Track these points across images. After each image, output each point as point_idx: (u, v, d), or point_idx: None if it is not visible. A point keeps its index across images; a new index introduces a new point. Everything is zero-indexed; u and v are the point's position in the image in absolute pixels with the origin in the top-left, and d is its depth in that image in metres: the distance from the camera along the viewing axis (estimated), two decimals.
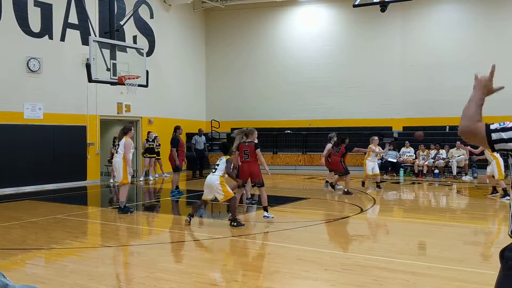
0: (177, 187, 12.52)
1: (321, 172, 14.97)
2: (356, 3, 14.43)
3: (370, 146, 13.40)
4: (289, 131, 21.07)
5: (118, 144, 9.91)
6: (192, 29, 22.19)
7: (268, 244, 7.07)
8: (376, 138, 13.90)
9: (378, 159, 14.51)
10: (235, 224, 7.96)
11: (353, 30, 21.08)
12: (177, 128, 12.42)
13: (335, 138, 13.20)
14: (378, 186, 13.41)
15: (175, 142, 12.17)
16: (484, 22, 18.99)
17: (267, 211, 8.64)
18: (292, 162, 20.53)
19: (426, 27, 19.97)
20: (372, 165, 13.44)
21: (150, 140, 17.27)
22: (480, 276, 5.24)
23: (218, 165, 8.16)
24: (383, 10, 14.03)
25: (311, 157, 19.98)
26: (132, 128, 10.15)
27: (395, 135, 19.67)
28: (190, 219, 8.28)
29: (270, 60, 22.35)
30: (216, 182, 7.99)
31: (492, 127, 2.21)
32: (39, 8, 14.71)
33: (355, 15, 19.58)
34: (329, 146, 13.41)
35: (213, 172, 8.16)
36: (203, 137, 18.43)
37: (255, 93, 22.33)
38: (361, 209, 10.15)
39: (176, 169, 12.27)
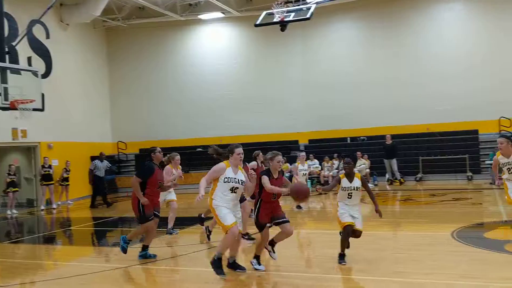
0: None
1: None
2: (257, 22, 14.80)
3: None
4: (200, 149, 20.95)
5: None
6: (93, 48, 21.40)
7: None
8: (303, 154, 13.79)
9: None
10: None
11: (257, 48, 21.61)
12: None
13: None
14: (299, 207, 12.47)
15: None
16: (376, 41, 20.22)
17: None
18: None
19: (324, 45, 20.98)
20: None
21: (46, 166, 16.24)
22: None
23: None
24: (283, 30, 14.47)
25: None
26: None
27: (302, 148, 20.35)
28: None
29: (177, 78, 22.18)
30: None
31: None
32: None
33: (258, 33, 20.03)
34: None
35: None
36: (105, 162, 16.39)
37: (163, 112, 22.00)
38: None
39: None
